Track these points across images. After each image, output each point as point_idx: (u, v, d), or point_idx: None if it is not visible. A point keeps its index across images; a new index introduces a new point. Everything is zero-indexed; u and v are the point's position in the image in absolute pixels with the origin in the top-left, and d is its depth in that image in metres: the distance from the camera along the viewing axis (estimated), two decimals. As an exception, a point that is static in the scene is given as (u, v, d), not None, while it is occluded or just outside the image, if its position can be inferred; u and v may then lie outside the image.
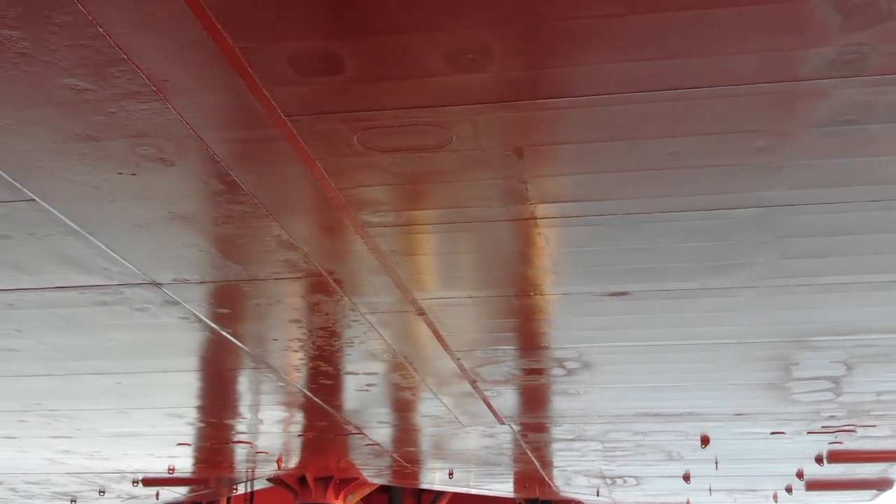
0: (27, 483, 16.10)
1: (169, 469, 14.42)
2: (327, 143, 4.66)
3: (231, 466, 14.74)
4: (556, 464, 14.28)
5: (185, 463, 14.24)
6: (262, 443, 12.55)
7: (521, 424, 11.30)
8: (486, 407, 10.24)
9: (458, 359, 8.41)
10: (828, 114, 4.34)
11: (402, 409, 10.56)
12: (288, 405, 10.24)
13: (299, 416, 10.89)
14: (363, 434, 11.79)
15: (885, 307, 6.89)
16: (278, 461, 13.72)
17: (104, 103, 4.29)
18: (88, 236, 5.75)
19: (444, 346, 7.99)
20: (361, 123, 4.46)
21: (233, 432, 11.88)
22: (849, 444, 12.02)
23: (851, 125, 4.44)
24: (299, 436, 12.10)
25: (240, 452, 13.42)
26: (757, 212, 5.39)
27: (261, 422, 11.19)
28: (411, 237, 5.83)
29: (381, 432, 11.79)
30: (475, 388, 9.40)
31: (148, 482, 15.39)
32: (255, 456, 13.58)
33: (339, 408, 10.37)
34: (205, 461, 14.23)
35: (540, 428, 11.50)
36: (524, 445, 12.62)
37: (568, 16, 3.69)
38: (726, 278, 6.41)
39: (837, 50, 3.87)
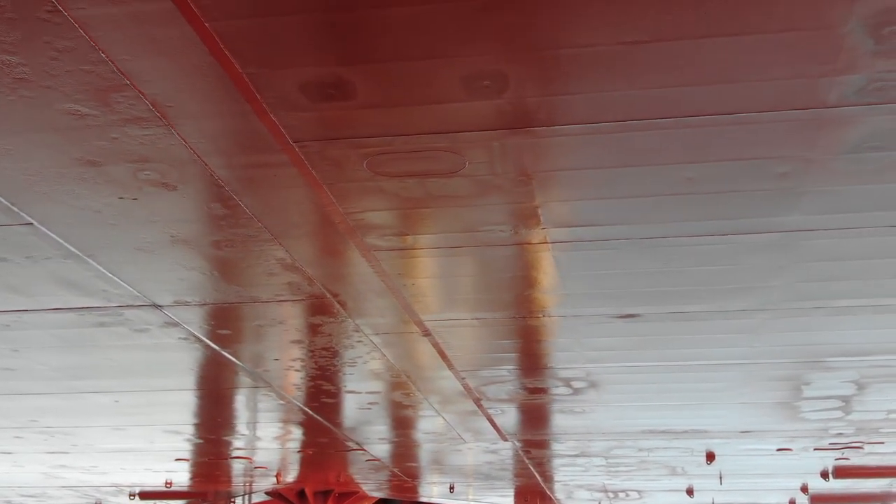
0: (23, 496, 15.93)
1: (166, 483, 14.26)
2: (336, 169, 4.51)
3: (229, 480, 14.58)
4: (558, 478, 14.13)
5: (182, 477, 14.08)
6: (262, 458, 12.39)
7: (525, 441, 11.16)
8: (489, 424, 10.10)
9: (463, 378, 8.27)
10: (854, 141, 4.21)
11: (405, 426, 10.41)
12: (288, 422, 10.08)
13: (299, 433, 10.74)
14: (364, 450, 11.64)
15: (901, 329, 6.77)
16: (277, 476, 13.56)
17: (106, 129, 4.14)
18: (88, 259, 5.60)
19: (450, 365, 7.85)
20: (372, 149, 4.32)
21: (232, 448, 11.72)
22: (855, 460, 11.89)
23: (877, 152, 4.31)
24: (299, 451, 11.95)
25: (238, 467, 13.26)
26: (775, 237, 5.25)
27: (260, 438, 11.04)
28: (419, 260, 5.69)
29: (382, 448, 11.64)
30: (479, 406, 9.25)
31: (145, 496, 15.22)
32: (253, 470, 13.42)
33: (340, 425, 10.22)
34: (202, 475, 14.06)
35: (543, 444, 11.35)
36: (527, 461, 12.47)
37: (588, 43, 3.55)
38: (740, 301, 6.27)
39: (868, 77, 3.73)
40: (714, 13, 3.38)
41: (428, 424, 10.20)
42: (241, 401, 9.25)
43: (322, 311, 6.56)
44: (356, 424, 10.21)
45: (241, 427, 10.49)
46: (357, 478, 14.16)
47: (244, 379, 8.34)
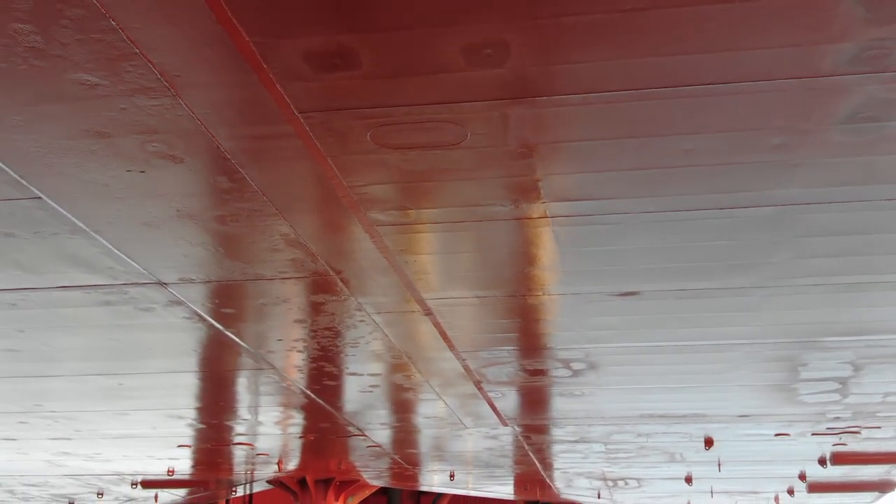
0: (25, 485, 16.01)
1: (168, 471, 14.35)
2: (340, 140, 4.59)
3: (230, 468, 14.66)
4: (557, 466, 14.22)
5: (184, 465, 14.17)
6: (263, 444, 12.48)
7: (525, 426, 11.24)
8: (489, 408, 10.18)
9: (464, 359, 8.35)
10: (848, 111, 4.29)
11: (405, 410, 10.50)
12: (290, 406, 10.17)
13: (301, 418, 10.82)
14: (365, 436, 11.73)
15: (896, 307, 6.85)
16: (279, 463, 13.64)
17: (115, 99, 4.22)
18: (95, 235, 5.68)
19: (450, 346, 7.93)
20: (375, 120, 4.40)
21: (234, 434, 11.81)
22: (853, 445, 11.97)
23: (872, 122, 4.39)
24: (300, 437, 12.03)
25: (239, 454, 13.35)
26: (772, 210, 5.33)
27: (262, 423, 11.12)
28: (420, 236, 5.77)
29: (383, 434, 11.72)
30: (480, 389, 9.34)
31: (147, 484, 15.30)
32: (255, 458, 13.51)
33: (341, 409, 10.30)
34: (204, 463, 14.14)
35: (543, 429, 11.44)
36: (527, 447, 12.56)
37: (587, 10, 3.63)
38: (739, 278, 6.35)
39: (861, 45, 3.81)
40: (710, -20, 3.47)
41: (429, 408, 10.29)
42: (243, 384, 9.34)
43: (325, 288, 6.64)
44: (357, 408, 10.29)
45: (243, 411, 10.58)
46: (358, 465, 14.25)
47: (247, 360, 8.42)
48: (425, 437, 12.11)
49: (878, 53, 3.87)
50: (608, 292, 6.65)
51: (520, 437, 11.90)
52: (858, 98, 4.18)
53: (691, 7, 3.61)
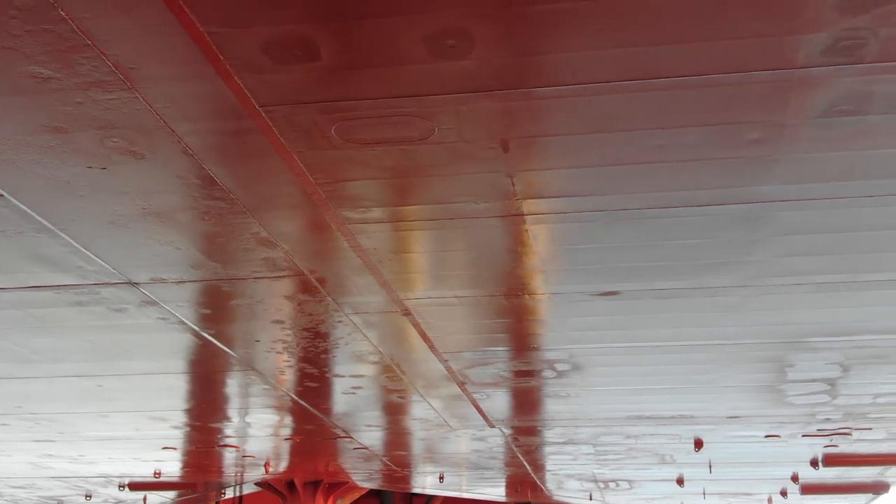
0: (12, 487, 15.89)
1: (155, 473, 14.22)
2: (304, 135, 4.48)
3: (218, 470, 14.54)
4: (547, 467, 14.09)
5: (171, 467, 14.04)
6: (249, 447, 12.35)
7: (512, 428, 11.12)
8: (475, 410, 10.06)
9: (446, 360, 8.23)
10: (824, 104, 4.17)
11: (390, 412, 10.37)
12: (273, 408, 10.04)
13: (286, 420, 10.70)
14: (351, 438, 11.61)
15: (882, 307, 6.72)
16: (266, 465, 13.52)
17: (70, 93, 4.11)
18: (60, 233, 5.56)
19: (431, 347, 7.81)
20: (339, 114, 4.28)
21: (218, 436, 11.68)
22: (844, 447, 11.85)
23: (849, 116, 4.27)
24: (286, 440, 11.91)
25: (227, 456, 13.22)
26: (750, 208, 5.22)
27: (247, 425, 11.00)
28: (394, 234, 5.65)
29: (369, 436, 11.60)
30: (464, 390, 9.22)
31: (135, 486, 15.18)
32: (242, 460, 13.38)
33: (325, 411, 10.18)
34: (192, 465, 14.02)
35: (530, 431, 11.32)
36: (515, 449, 12.43)
37: (548, 0, 3.52)
38: (719, 277, 6.24)
39: (834, 35, 3.70)
40: (676, -33, 3.35)
41: (414, 410, 10.16)
42: (225, 385, 9.21)
43: (300, 289, 6.53)
44: (342, 410, 10.17)
45: (228, 413, 10.45)
46: (347, 467, 14.12)
47: (226, 362, 8.30)
48: (412, 440, 11.99)
49: (853, 44, 3.75)
50: (589, 292, 6.53)
51: (508, 439, 11.77)
52: (835, 90, 4.07)
53: (657, -5, 3.50)
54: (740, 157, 4.66)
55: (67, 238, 5.62)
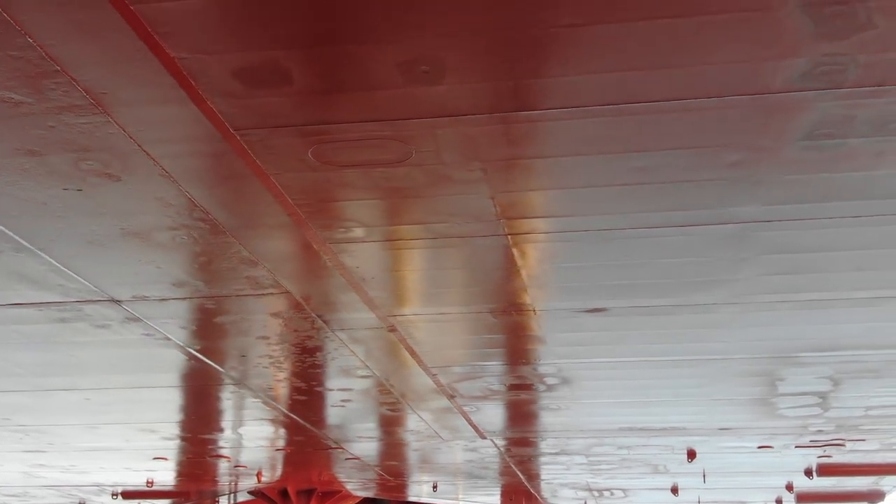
0: (6, 496, 15.84)
1: (147, 482, 14.17)
2: (281, 158, 4.43)
3: (211, 480, 14.49)
4: (541, 477, 14.05)
5: (164, 476, 13.99)
6: (240, 457, 12.30)
7: (503, 439, 11.07)
8: (466, 422, 10.02)
9: (434, 374, 8.18)
10: (805, 127, 4.12)
11: (381, 424, 10.33)
12: (263, 421, 10.00)
13: (276, 432, 10.65)
14: (342, 448, 11.56)
15: (870, 323, 6.68)
16: (258, 475, 13.47)
17: (42, 117, 4.06)
18: (40, 253, 5.52)
19: (419, 362, 7.77)
20: (315, 137, 4.24)
21: (209, 447, 11.63)
22: (838, 457, 11.80)
23: (830, 139, 4.22)
24: (277, 450, 11.86)
25: (219, 466, 13.17)
26: (734, 228, 5.17)
27: (236, 436, 10.95)
28: (377, 253, 5.61)
29: (360, 446, 11.55)
30: (453, 403, 9.17)
31: (127, 495, 15.13)
32: (234, 470, 13.33)
33: (315, 423, 10.13)
34: (184, 475, 13.97)
35: (522, 442, 11.27)
36: (508, 459, 12.39)
37: (523, 26, 3.46)
38: (706, 294, 6.19)
39: (812, 61, 3.65)
40: (649, -6, 3.31)
41: (403, 422, 10.12)
42: (213, 398, 9.17)
43: (285, 306, 6.48)
44: (332, 423, 10.13)
45: (217, 425, 10.41)
46: (340, 476, 14.08)
47: (214, 376, 8.25)
48: (405, 450, 11.94)
49: (831, 69, 3.71)
50: (575, 309, 6.49)
51: (500, 450, 11.73)
52: (814, 115, 4.02)
53: (631, 23, 3.45)
54: (722, 178, 4.61)
55: (47, 257, 5.58)
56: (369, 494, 16.22)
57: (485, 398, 8.99)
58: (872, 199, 4.80)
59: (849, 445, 11.02)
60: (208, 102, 3.97)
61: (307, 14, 3.42)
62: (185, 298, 6.30)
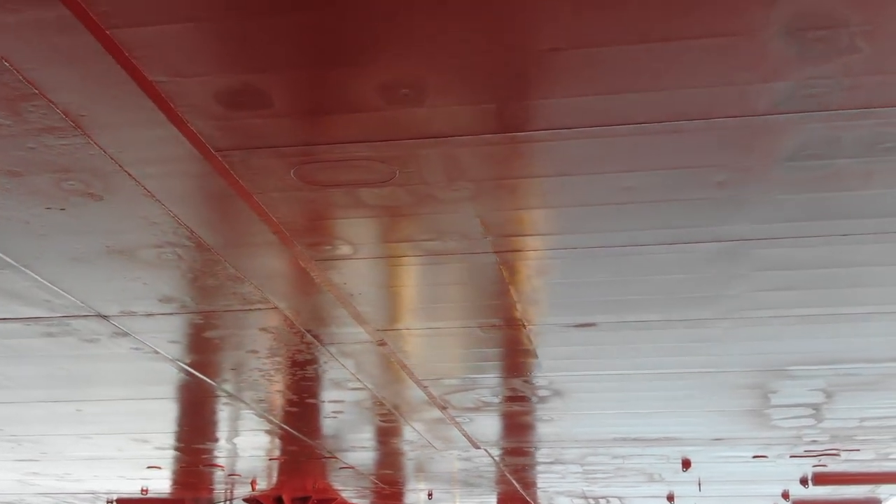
0: None
1: (142, 490, 14.14)
2: (263, 178, 4.39)
3: (205, 487, 14.45)
4: (537, 485, 14.01)
5: (159, 484, 13.96)
6: (234, 466, 12.26)
7: (497, 448, 11.03)
8: (459, 433, 9.98)
9: (426, 387, 8.15)
10: (790, 149, 4.09)
11: (374, 434, 10.29)
12: (256, 431, 9.95)
13: (269, 442, 10.61)
14: (336, 458, 11.52)
15: (864, 338, 6.65)
16: (252, 483, 13.43)
17: (21, 138, 4.02)
18: (25, 270, 5.48)
19: (410, 375, 7.73)
20: (297, 158, 4.20)
21: (203, 456, 11.59)
22: (833, 466, 11.77)
23: (816, 160, 4.19)
24: (272, 459, 11.82)
25: (213, 475, 13.13)
26: (723, 245, 5.13)
27: (229, 446, 10.92)
28: (365, 270, 5.57)
29: (354, 456, 11.51)
30: (446, 414, 9.13)
31: (122, 503, 15.09)
32: (228, 478, 13.29)
33: (308, 434, 10.10)
34: (179, 483, 13.94)
35: (516, 452, 11.24)
36: (503, 468, 12.35)
37: (502, 50, 3.43)
38: (697, 310, 6.15)
39: (797, 84, 3.61)
40: (631, 19, 3.26)
41: (396, 433, 10.08)
42: (205, 410, 9.13)
43: (273, 321, 6.44)
44: (324, 433, 10.08)
45: (209, 435, 10.37)
46: (335, 484, 14.03)
47: (205, 389, 8.21)
48: (398, 459, 11.90)
49: (816, 92, 3.67)
50: (564, 324, 6.45)
51: (494, 459, 11.69)
52: (800, 136, 3.98)
53: (615, 47, 3.42)
54: (710, 198, 4.57)
55: (32, 274, 5.54)
56: (366, 502, 16.18)
57: (477, 409, 8.95)
58: (862, 217, 4.76)
59: (844, 455, 10.99)
60: (188, 124, 3.93)
61: (286, 39, 3.38)
62: (172, 314, 6.26)
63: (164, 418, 9.48)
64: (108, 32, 3.34)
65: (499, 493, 15.25)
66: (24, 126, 3.92)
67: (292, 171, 4.33)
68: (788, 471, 12.08)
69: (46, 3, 3.19)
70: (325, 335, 6.73)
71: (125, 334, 6.62)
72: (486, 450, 11.02)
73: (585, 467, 12.09)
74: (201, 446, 11.02)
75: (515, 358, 7.33)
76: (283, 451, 11.23)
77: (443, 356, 7.29)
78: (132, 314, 6.24)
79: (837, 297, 5.89)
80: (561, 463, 11.85)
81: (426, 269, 5.53)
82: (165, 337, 6.75)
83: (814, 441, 10.20)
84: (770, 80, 3.60)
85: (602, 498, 15.15)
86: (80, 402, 8.65)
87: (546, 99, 3.74)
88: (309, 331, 6.63)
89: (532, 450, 11.09)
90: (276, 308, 6.17)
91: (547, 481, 13.52)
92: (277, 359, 7.32)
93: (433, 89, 3.67)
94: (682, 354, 7.13)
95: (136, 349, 6.97)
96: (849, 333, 6.52)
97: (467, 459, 11.68)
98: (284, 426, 9.61)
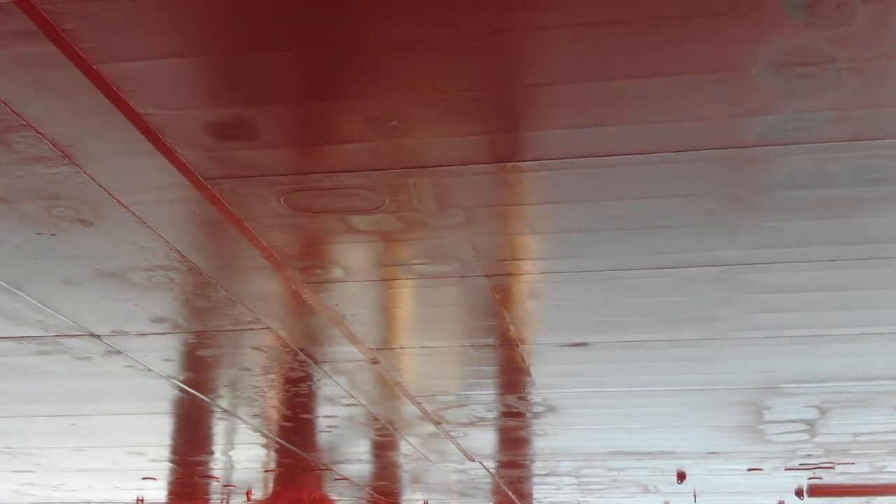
0: (-4, 512, 15.80)
1: (138, 500, 14.13)
2: (253, 206, 4.40)
3: (202, 497, 14.43)
4: (532, 496, 13.99)
5: (154, 494, 13.95)
6: (229, 477, 12.25)
7: (492, 461, 11.02)
8: (453, 446, 9.97)
9: (420, 403, 8.15)
10: (779, 179, 4.10)
11: (369, 448, 10.28)
12: (249, 444, 9.94)
13: (264, 454, 10.60)
14: (331, 469, 11.51)
15: (854, 358, 6.65)
16: (247, 493, 13.42)
17: (10, 167, 4.03)
18: (16, 291, 5.49)
19: (404, 391, 7.73)
20: (286, 187, 4.21)
21: (197, 468, 11.58)
22: (829, 479, 11.76)
23: (805, 189, 4.20)
24: (267, 471, 11.81)
25: (208, 486, 13.12)
26: (714, 270, 5.14)
27: (225, 459, 10.91)
28: (357, 292, 5.57)
29: (349, 468, 11.50)
30: (440, 429, 9.13)
31: (118, 512, 15.06)
32: (224, 489, 13.29)
33: (303, 447, 10.09)
34: (174, 493, 13.92)
35: (511, 464, 11.23)
36: (498, 480, 12.34)
37: (486, 86, 3.44)
38: (689, 331, 6.16)
39: (784, 118, 3.62)
40: (615, 56, 3.27)
41: (391, 446, 10.07)
42: (198, 425, 9.12)
43: (266, 341, 6.44)
44: (318, 447, 10.08)
45: (204, 449, 10.36)
46: (331, 495, 14.03)
47: (198, 405, 8.21)
48: (394, 471, 11.89)
49: (804, 125, 3.68)
50: (557, 343, 6.45)
51: (489, 471, 11.68)
52: (787, 168, 4.00)
53: (603, 82, 3.42)
54: (699, 224, 4.58)
55: (24, 295, 5.54)
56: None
57: (472, 424, 8.95)
58: (850, 244, 4.77)
59: (838, 468, 10.98)
60: (177, 154, 3.94)
61: (273, 73, 3.39)
62: (165, 333, 6.26)
63: (158, 432, 9.47)
64: (94, 67, 3.35)
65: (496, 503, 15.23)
66: (13, 156, 3.93)
67: (282, 199, 4.33)
68: (784, 483, 12.06)
69: (33, 38, 3.19)
70: (318, 354, 6.73)
71: (118, 352, 6.62)
72: (481, 462, 11.02)
73: (581, 479, 12.08)
74: (195, 458, 11.00)
75: (509, 376, 7.33)
76: (279, 464, 11.22)
77: (437, 374, 7.29)
78: (124, 333, 6.24)
79: (827, 319, 5.89)
80: (556, 475, 11.84)
81: (419, 291, 5.53)
82: (158, 355, 6.75)
83: (808, 455, 10.19)
84: (758, 114, 3.61)
85: (598, 508, 15.13)
86: (75, 416, 8.63)
87: (534, 131, 3.75)
88: (302, 350, 6.63)
89: (527, 462, 11.08)
90: (268, 328, 6.17)
91: (542, 492, 13.50)
92: (271, 376, 7.32)
93: (421, 121, 3.68)
94: (674, 373, 7.13)
95: (130, 367, 6.97)
96: (839, 353, 6.52)
97: (462, 471, 11.67)
98: (279, 440, 9.61)
